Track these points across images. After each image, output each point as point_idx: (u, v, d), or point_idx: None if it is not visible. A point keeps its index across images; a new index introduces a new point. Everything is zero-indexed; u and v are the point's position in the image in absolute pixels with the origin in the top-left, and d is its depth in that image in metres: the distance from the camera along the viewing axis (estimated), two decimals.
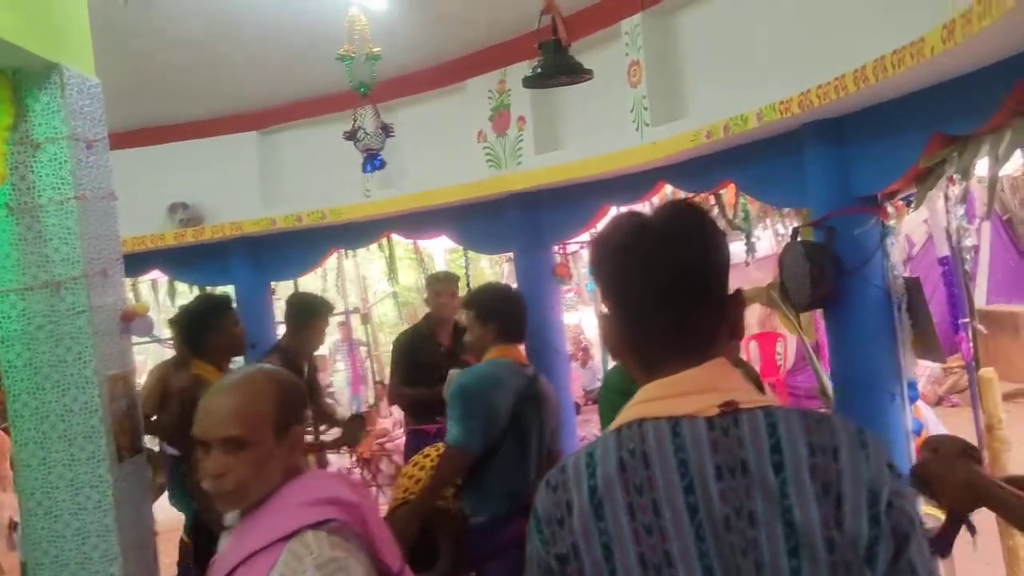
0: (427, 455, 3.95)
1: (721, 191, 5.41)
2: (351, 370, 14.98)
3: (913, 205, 4.06)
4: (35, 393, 3.50)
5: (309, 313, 4.96)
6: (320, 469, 1.84)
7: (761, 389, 2.73)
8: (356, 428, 5.13)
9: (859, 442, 1.19)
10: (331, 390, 12.87)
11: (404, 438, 9.81)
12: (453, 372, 3.93)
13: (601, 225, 6.77)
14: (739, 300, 1.32)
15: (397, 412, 13.27)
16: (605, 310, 1.35)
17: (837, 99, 3.56)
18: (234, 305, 5.02)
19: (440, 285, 5.42)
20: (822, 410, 1.31)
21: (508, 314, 3.72)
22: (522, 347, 3.90)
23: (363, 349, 15.02)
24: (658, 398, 1.26)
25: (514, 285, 6.07)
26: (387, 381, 15.75)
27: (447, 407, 3.60)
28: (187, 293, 8.23)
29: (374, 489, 7.77)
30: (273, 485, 1.77)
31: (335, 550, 1.65)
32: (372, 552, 1.77)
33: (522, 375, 3.64)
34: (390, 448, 11.81)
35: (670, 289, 1.26)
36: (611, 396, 3.06)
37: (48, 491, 3.49)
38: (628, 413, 1.27)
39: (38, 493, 3.50)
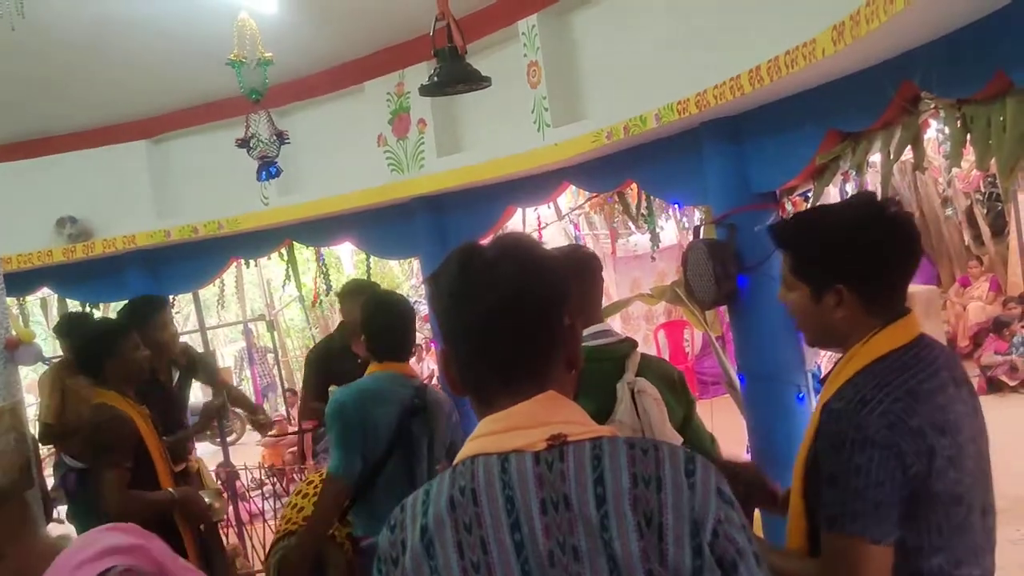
0: (311, 482, 3.79)
1: (625, 190, 5.43)
2: (253, 379, 14.67)
3: (811, 200, 4.14)
4: None
5: (145, 308, 4.88)
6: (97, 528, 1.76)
7: (677, 384, 2.67)
8: (213, 407, 5.02)
9: (685, 471, 1.18)
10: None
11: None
12: (332, 388, 3.72)
13: (508, 226, 6.78)
14: (575, 332, 1.32)
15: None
16: (443, 346, 1.34)
17: (733, 99, 3.59)
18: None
19: (357, 297, 5.24)
20: (650, 439, 1.31)
21: (388, 327, 3.47)
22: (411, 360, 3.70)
23: (270, 356, 14.71)
24: (490, 433, 1.25)
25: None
26: (297, 389, 15.51)
27: (327, 428, 3.41)
28: (79, 309, 7.90)
29: (283, 499, 7.58)
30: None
31: None
32: None
33: (408, 387, 3.44)
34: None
35: (497, 324, 1.25)
36: None
37: None
38: (465, 449, 1.27)
39: None
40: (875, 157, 3.61)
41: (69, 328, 5.11)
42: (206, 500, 3.92)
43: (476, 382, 1.29)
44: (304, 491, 3.71)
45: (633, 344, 2.66)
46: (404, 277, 20.03)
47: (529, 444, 1.21)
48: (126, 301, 5.32)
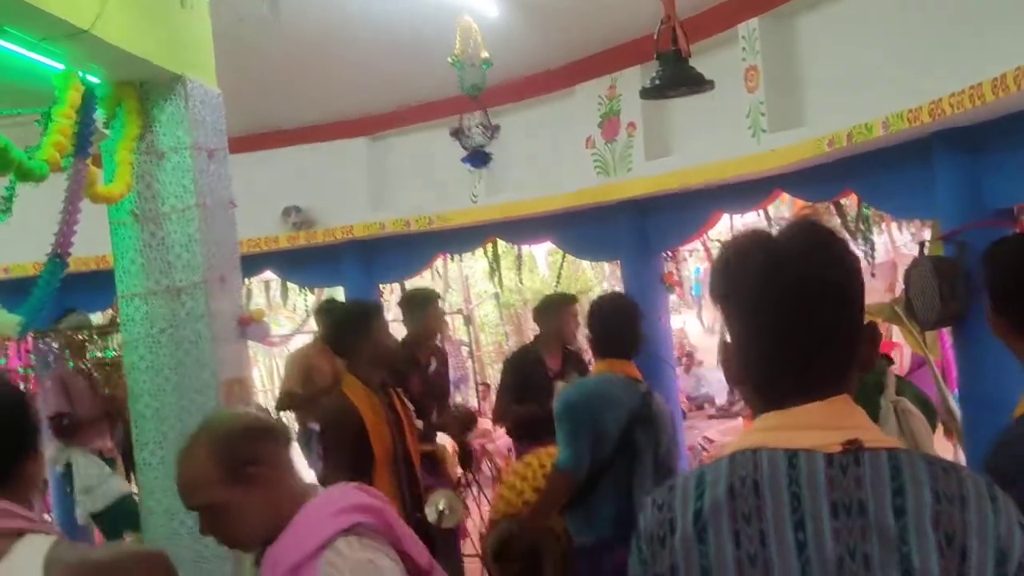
0: (528, 464, 3.83)
1: (842, 200, 5.21)
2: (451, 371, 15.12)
3: None
4: (156, 395, 3.62)
5: (420, 302, 4.95)
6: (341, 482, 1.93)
7: (929, 408, 2.52)
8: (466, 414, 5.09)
9: (989, 495, 1.12)
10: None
11: (510, 444, 9.77)
12: (560, 385, 3.73)
13: (713, 233, 6.66)
14: (873, 333, 1.25)
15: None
16: (727, 336, 1.29)
17: (972, 108, 3.37)
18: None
19: (573, 307, 5.22)
20: (948, 458, 1.22)
21: (617, 325, 3.49)
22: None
23: (464, 349, 15.12)
24: (778, 428, 1.21)
25: (618, 287, 5.93)
26: (489, 382, 15.86)
27: (555, 424, 3.44)
28: (297, 292, 8.43)
29: (474, 487, 7.78)
30: (275, 519, 1.79)
31: (366, 552, 1.72)
32: (400, 550, 1.83)
33: (636, 392, 3.42)
34: (491, 449, 11.86)
35: (802, 318, 1.19)
36: None
37: (167, 490, 3.58)
38: (745, 440, 1.23)
39: (157, 492, 3.61)
40: None
41: (327, 310, 5.39)
42: (440, 505, 3.81)
43: (767, 376, 1.24)
44: (523, 474, 3.75)
45: (889, 359, 2.56)
46: (596, 280, 20.08)
47: (822, 445, 1.16)
48: (340, 287, 5.59)
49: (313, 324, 8.17)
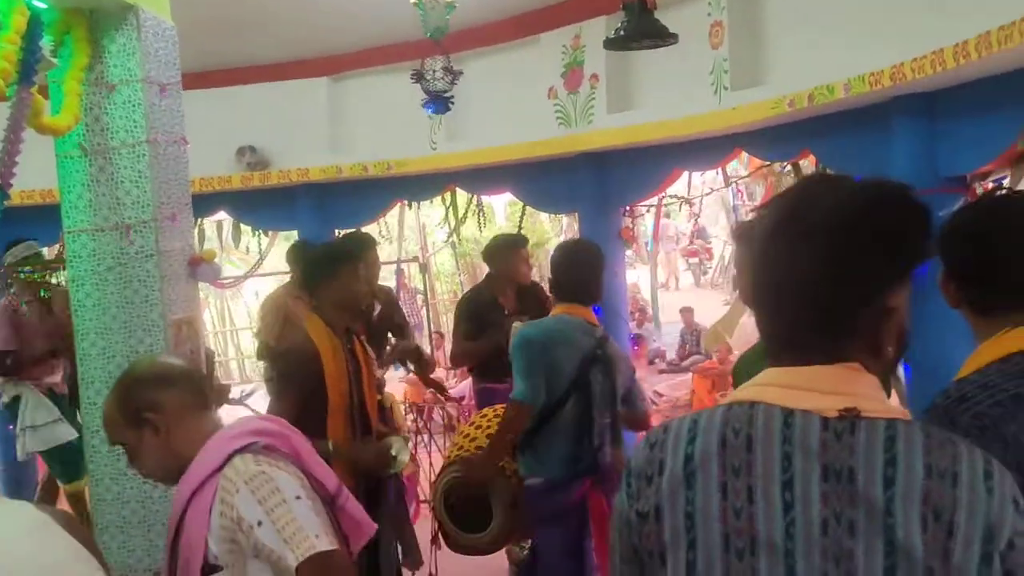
0: (484, 415, 3.89)
1: (800, 161, 5.24)
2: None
3: (1008, 187, 3.87)
4: (102, 334, 3.55)
5: (361, 244, 4.88)
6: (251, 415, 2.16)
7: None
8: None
9: (984, 472, 1.11)
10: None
11: (466, 393, 9.84)
12: (516, 325, 3.74)
13: (671, 190, 6.68)
14: (898, 318, 1.19)
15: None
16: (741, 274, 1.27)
17: (933, 74, 3.39)
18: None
19: (523, 251, 5.20)
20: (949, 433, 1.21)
21: (579, 271, 3.48)
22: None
23: (419, 298, 15.09)
24: (778, 385, 1.20)
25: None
26: (443, 331, 15.85)
27: (512, 358, 3.47)
28: (250, 234, 8.30)
29: (425, 436, 7.82)
30: (180, 458, 1.91)
31: (260, 465, 1.81)
32: (307, 473, 1.91)
33: (592, 336, 3.45)
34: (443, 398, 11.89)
35: (836, 273, 1.15)
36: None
37: None
38: (744, 392, 1.23)
39: (102, 431, 3.55)
40: None
41: (298, 253, 5.27)
42: (392, 450, 3.74)
43: (787, 326, 1.20)
44: (478, 423, 3.82)
45: None
46: (554, 233, 20.10)
47: (820, 408, 1.15)
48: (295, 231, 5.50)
49: (266, 267, 8.09)
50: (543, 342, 3.38)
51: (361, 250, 4.68)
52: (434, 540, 3.93)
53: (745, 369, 2.54)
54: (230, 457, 1.83)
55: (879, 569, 1.09)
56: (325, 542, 1.76)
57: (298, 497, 1.79)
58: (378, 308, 5.14)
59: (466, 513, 3.63)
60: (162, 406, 1.92)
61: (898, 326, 1.21)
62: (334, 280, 3.62)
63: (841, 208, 1.16)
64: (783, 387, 1.19)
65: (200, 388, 2.03)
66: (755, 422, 1.18)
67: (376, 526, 2.12)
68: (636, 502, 1.23)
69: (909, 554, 1.08)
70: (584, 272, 3.48)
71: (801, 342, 1.19)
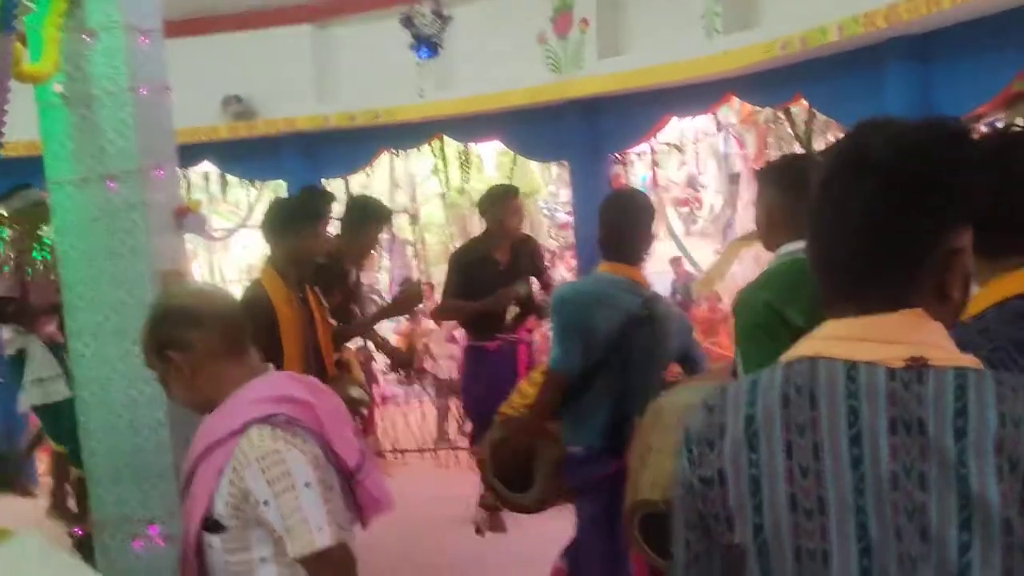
0: (544, 371, 3.75)
1: (792, 106, 5.19)
2: (394, 269, 15.04)
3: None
4: (89, 284, 3.52)
5: (368, 214, 4.76)
6: (283, 372, 2.04)
7: None
8: (413, 292, 4.89)
9: None
10: (376, 287, 12.83)
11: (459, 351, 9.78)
12: (558, 284, 3.59)
13: (661, 135, 6.62)
14: (964, 260, 1.16)
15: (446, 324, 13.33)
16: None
17: (928, 14, 3.35)
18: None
19: (516, 201, 5.00)
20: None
21: (623, 227, 3.18)
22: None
23: (409, 249, 15.03)
24: (839, 338, 1.15)
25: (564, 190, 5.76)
26: (433, 282, 15.82)
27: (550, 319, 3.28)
28: (238, 185, 8.22)
29: (415, 385, 7.85)
30: (206, 397, 1.90)
31: (276, 443, 1.77)
32: (327, 447, 1.87)
33: (636, 294, 3.18)
34: (433, 349, 11.92)
35: (897, 216, 1.11)
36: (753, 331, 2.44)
37: (102, 383, 3.53)
38: (802, 348, 1.18)
39: (92, 384, 3.54)
40: None
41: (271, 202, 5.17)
42: (351, 393, 3.85)
43: (846, 271, 1.16)
44: (536, 379, 3.56)
45: None
46: (544, 182, 19.97)
47: (884, 359, 1.11)
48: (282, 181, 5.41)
49: (255, 218, 8.02)
50: (580, 304, 3.17)
51: (325, 209, 4.62)
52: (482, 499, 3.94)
53: (747, 300, 2.46)
54: (248, 424, 1.80)
55: (954, 522, 1.05)
56: (327, 535, 1.75)
57: (307, 484, 1.76)
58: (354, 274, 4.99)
59: (515, 471, 3.45)
60: (187, 346, 1.88)
61: (964, 268, 1.17)
62: (293, 237, 3.67)
63: (906, 144, 1.12)
64: (844, 339, 1.15)
65: (234, 332, 1.95)
66: (817, 377, 1.14)
67: (394, 502, 2.07)
68: (698, 468, 1.19)
69: (985, 506, 1.04)
70: (628, 227, 3.20)
71: (862, 289, 1.15)
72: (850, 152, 1.16)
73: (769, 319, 2.32)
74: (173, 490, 3.50)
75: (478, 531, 4.85)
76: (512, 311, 4.94)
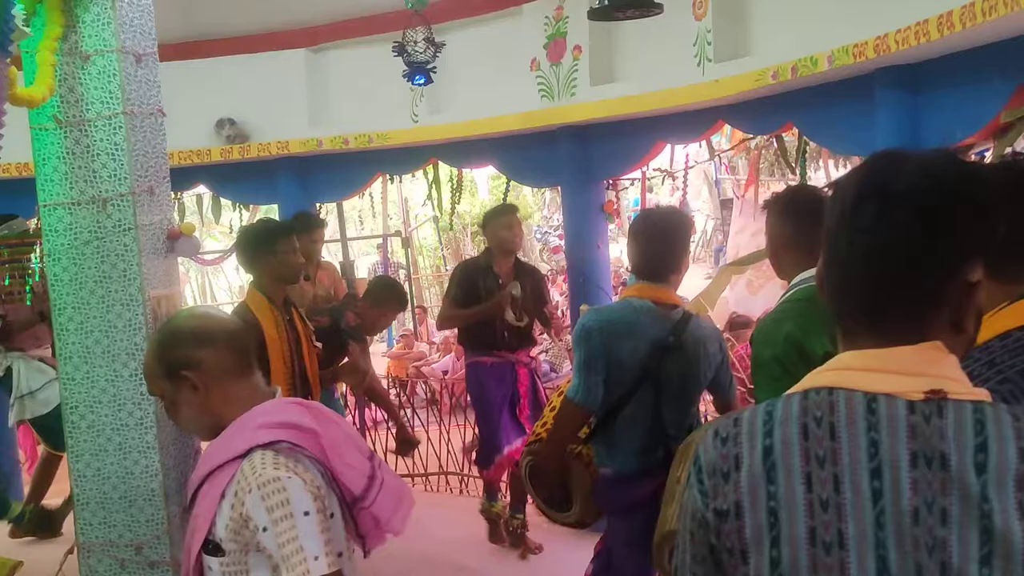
0: (560, 392, 3.71)
1: (783, 134, 5.23)
2: None
3: (990, 159, 3.88)
4: (80, 308, 3.52)
5: (392, 296, 4.92)
6: (289, 398, 2.03)
7: None
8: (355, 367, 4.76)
9: None
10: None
11: (449, 367, 9.83)
12: (584, 308, 3.61)
13: (654, 163, 6.65)
14: (977, 292, 1.16)
15: (440, 338, 13.36)
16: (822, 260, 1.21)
17: (917, 45, 3.37)
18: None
19: (511, 217, 5.23)
20: None
21: (655, 244, 3.09)
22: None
23: (402, 272, 15.05)
24: (856, 369, 1.15)
25: (557, 215, 5.90)
26: (427, 306, 15.80)
27: (573, 347, 3.21)
28: (231, 209, 8.24)
29: (409, 411, 7.82)
30: (214, 419, 1.92)
31: (278, 470, 1.77)
32: (330, 475, 1.89)
33: (665, 320, 3.10)
34: (426, 372, 11.91)
35: (912, 247, 1.12)
36: (771, 363, 2.40)
37: (91, 406, 3.52)
38: (818, 378, 1.18)
39: (81, 407, 3.53)
40: None
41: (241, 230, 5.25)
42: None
43: (856, 309, 1.16)
44: (554, 403, 3.53)
45: None
46: (536, 207, 20.05)
47: (904, 391, 1.10)
48: (275, 205, 5.48)
49: None
50: (604, 335, 3.07)
51: (298, 225, 4.81)
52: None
53: (768, 332, 2.46)
54: (251, 449, 1.81)
55: (975, 558, 1.04)
56: (323, 564, 1.74)
57: (306, 513, 1.76)
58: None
59: (544, 495, 3.42)
60: (200, 365, 1.90)
61: (978, 302, 1.18)
62: (271, 255, 3.85)
63: (933, 175, 1.13)
64: (862, 370, 1.14)
65: (242, 350, 1.98)
66: (837, 408, 1.13)
67: (400, 530, 2.04)
68: (713, 500, 1.18)
69: (1007, 541, 1.03)
70: (659, 245, 3.11)
71: (883, 319, 1.15)
72: (874, 181, 1.16)
73: (788, 352, 2.34)
74: (161, 514, 3.48)
75: (522, 556, 5.03)
76: (511, 315, 5.07)
